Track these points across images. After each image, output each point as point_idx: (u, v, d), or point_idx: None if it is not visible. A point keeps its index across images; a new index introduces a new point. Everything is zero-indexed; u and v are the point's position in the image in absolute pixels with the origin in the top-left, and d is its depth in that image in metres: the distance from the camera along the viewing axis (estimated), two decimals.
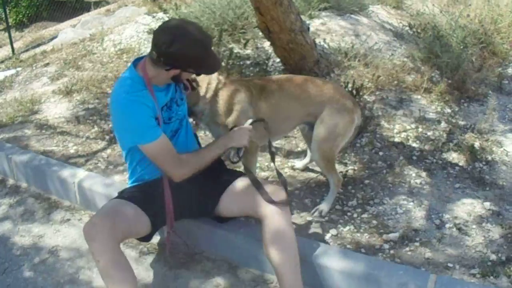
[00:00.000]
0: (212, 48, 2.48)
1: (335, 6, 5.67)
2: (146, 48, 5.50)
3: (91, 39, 6.44)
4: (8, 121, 4.44)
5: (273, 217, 2.34)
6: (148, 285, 2.75)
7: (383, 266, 2.55)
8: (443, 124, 4.03)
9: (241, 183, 2.56)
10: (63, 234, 3.20)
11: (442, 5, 6.33)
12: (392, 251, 2.83)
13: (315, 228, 2.98)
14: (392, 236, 2.92)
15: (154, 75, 2.42)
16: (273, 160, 2.82)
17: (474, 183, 3.43)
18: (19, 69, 6.07)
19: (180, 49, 2.29)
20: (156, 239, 2.96)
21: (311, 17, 5.28)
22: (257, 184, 2.47)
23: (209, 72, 2.53)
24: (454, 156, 3.66)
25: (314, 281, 2.59)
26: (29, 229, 3.27)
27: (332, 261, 2.58)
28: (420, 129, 3.93)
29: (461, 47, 4.84)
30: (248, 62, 4.73)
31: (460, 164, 3.59)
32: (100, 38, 6.19)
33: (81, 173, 3.45)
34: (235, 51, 4.82)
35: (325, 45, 4.80)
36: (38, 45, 7.77)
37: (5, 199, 3.58)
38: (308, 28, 4.37)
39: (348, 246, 2.84)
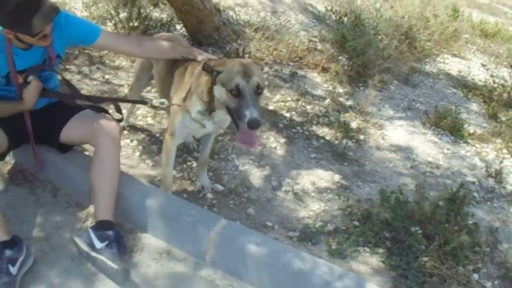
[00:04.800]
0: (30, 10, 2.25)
1: None
2: None
3: None
4: None
5: (105, 146, 2.51)
6: None
7: (178, 203, 2.56)
8: (327, 101, 3.99)
9: (83, 113, 2.70)
10: None
11: None
12: (214, 201, 2.82)
13: (148, 170, 3.00)
14: (220, 188, 2.91)
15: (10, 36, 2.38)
16: None
17: (334, 156, 3.39)
18: None
19: None
20: None
21: None
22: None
23: (23, 31, 2.31)
24: (323, 130, 3.62)
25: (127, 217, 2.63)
26: None
27: (140, 196, 2.59)
28: (300, 103, 3.89)
29: (373, 34, 4.80)
30: (160, 24, 4.67)
31: (327, 138, 3.55)
32: None
33: None
34: (148, 11, 4.75)
35: (235, 16, 4.76)
36: None
37: None
38: None
39: (173, 189, 2.81)
